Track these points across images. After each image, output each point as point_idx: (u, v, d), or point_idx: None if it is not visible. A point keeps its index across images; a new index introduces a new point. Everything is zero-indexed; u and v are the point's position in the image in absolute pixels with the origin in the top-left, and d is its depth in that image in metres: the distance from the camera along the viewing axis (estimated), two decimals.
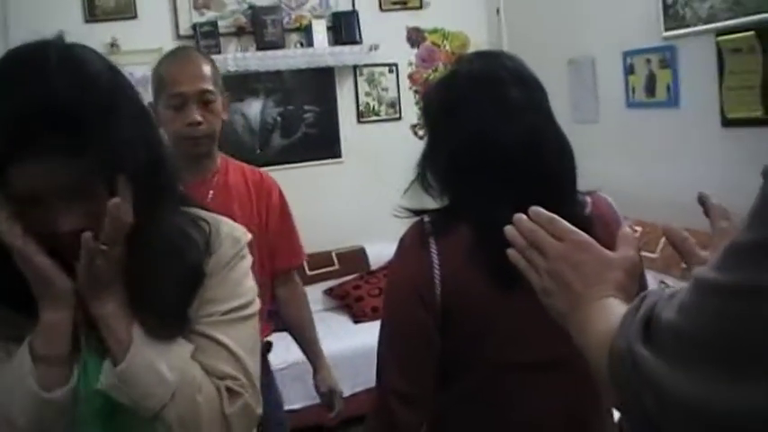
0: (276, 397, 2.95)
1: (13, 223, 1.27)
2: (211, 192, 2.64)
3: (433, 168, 1.75)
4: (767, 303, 0.74)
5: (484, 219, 1.63)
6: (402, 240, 1.74)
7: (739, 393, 0.76)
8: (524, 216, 1.18)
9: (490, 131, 1.65)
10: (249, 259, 1.54)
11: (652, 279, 4.18)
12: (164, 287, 1.35)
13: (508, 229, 1.19)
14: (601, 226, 1.71)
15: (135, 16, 5.53)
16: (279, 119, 5.97)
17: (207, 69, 2.63)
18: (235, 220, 2.58)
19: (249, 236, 1.56)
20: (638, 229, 4.58)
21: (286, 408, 4.78)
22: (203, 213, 1.52)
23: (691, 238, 1.25)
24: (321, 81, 6.03)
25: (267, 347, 2.84)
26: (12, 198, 1.27)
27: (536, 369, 1.69)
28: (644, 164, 4.73)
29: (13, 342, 1.34)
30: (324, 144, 6.06)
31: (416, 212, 1.77)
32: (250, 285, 1.51)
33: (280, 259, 2.85)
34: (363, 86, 6.10)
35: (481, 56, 1.79)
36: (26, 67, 1.24)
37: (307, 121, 6.03)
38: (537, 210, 1.18)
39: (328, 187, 5.88)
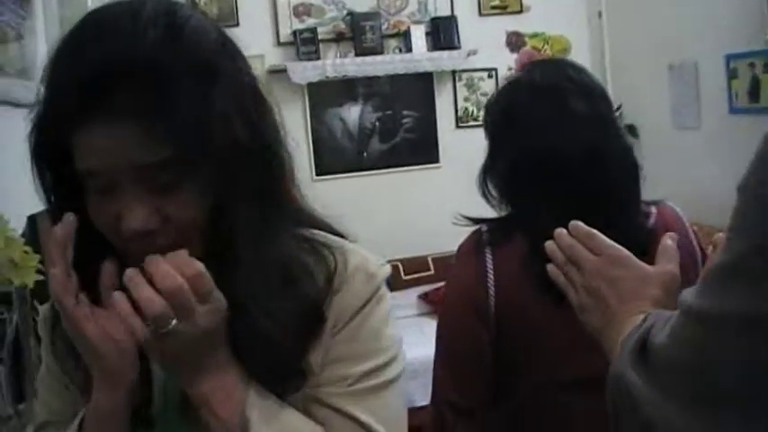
0: None
1: (68, 280, 1.00)
2: None
3: (493, 178, 1.74)
4: (729, 331, 0.71)
5: (539, 230, 1.61)
6: (459, 249, 1.75)
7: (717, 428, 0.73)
8: (565, 231, 1.17)
9: (551, 143, 1.63)
10: (388, 300, 1.19)
11: None
12: (272, 329, 1.02)
13: (548, 244, 1.18)
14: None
15: (237, 24, 5.66)
16: (377, 124, 6.02)
17: None
18: None
19: (388, 268, 1.23)
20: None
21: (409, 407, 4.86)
22: (326, 237, 1.21)
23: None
24: (419, 86, 6.05)
25: None
26: (77, 187, 1.02)
27: (589, 385, 1.67)
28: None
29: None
30: (422, 149, 6.08)
31: (475, 221, 1.76)
32: (391, 336, 1.16)
33: None
34: (462, 91, 6.09)
35: (544, 65, 1.77)
36: (112, 16, 0.99)
37: (405, 126, 6.06)
38: (577, 224, 1.17)
39: (425, 192, 5.89)
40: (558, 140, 1.63)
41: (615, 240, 1.56)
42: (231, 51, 1.09)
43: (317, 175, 5.89)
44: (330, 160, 5.93)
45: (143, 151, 0.95)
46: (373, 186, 5.98)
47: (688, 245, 1.75)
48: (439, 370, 1.75)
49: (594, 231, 1.15)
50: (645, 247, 1.56)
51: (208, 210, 1.01)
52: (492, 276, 1.65)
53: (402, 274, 5.71)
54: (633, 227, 1.66)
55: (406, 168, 6.04)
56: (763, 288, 0.68)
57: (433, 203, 5.84)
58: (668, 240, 1.17)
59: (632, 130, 5.75)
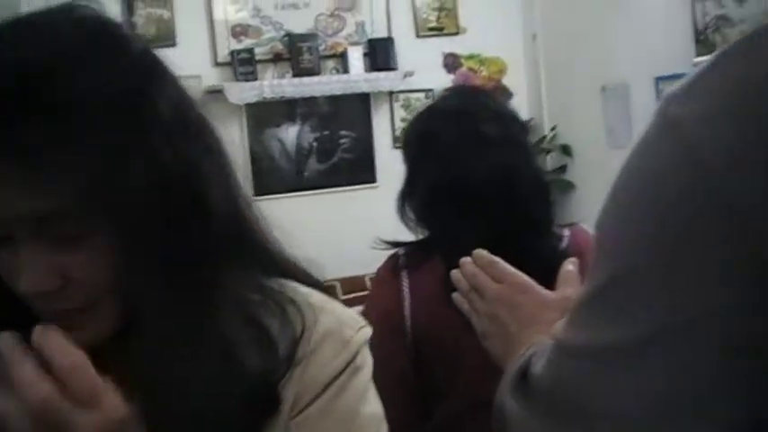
0: None
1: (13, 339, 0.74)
2: None
3: (411, 201, 1.77)
4: (591, 362, 0.72)
5: (454, 253, 1.65)
6: (377, 273, 1.77)
7: None
8: (468, 259, 1.19)
9: (464, 166, 1.66)
10: (369, 369, 1.01)
11: None
12: (196, 420, 0.79)
13: (454, 273, 1.20)
14: (577, 260, 1.73)
15: (174, 44, 5.64)
16: (315, 144, 6.03)
17: None
18: None
19: (367, 332, 1.03)
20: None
21: None
22: (295, 290, 1.00)
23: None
24: (357, 107, 6.08)
25: None
26: None
27: None
28: None
29: None
30: (359, 169, 6.10)
31: (393, 244, 1.78)
32: (371, 416, 0.98)
33: None
34: (399, 112, 6.13)
35: (458, 92, 1.81)
36: (24, 25, 0.82)
37: (343, 146, 6.09)
38: (479, 253, 1.18)
39: (363, 211, 5.90)
40: (470, 164, 1.66)
41: (528, 262, 1.58)
42: (158, 76, 0.90)
43: (256, 194, 5.84)
44: (268, 180, 5.92)
45: (32, 198, 0.76)
46: (311, 206, 5.98)
47: None
48: None
49: (496, 259, 1.16)
50: (556, 270, 1.62)
51: (120, 270, 0.81)
52: (408, 299, 1.68)
53: (340, 293, 5.70)
54: (546, 249, 1.69)
55: (343, 188, 6.06)
56: (619, 318, 0.70)
57: (371, 223, 5.84)
58: (569, 266, 1.20)
59: (566, 149, 5.86)
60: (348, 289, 5.65)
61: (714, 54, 0.70)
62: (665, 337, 0.66)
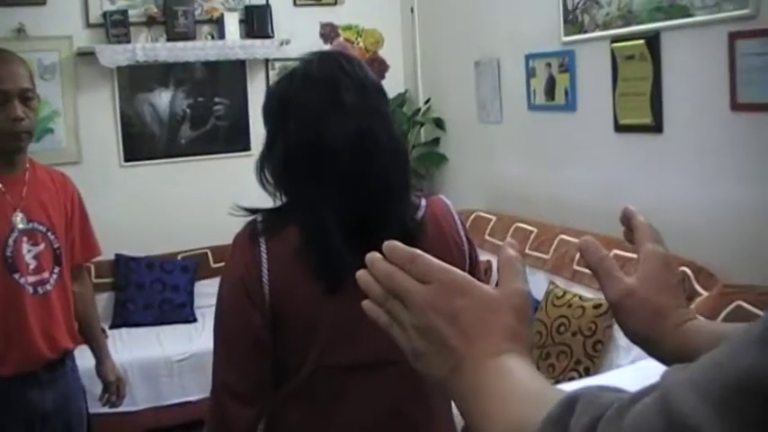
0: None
1: None
2: (25, 187, 2.79)
3: (269, 166, 1.77)
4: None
5: (310, 221, 1.67)
6: (235, 239, 1.76)
7: None
8: (378, 255, 0.88)
9: (320, 133, 1.68)
10: None
11: (543, 279, 4.32)
12: None
13: (361, 274, 0.89)
14: (434, 229, 1.78)
15: (44, 2, 5.46)
16: (188, 110, 5.97)
17: (25, 70, 2.77)
18: (48, 213, 2.73)
19: None
20: (514, 242, 4.71)
21: (184, 399, 4.86)
22: None
23: (610, 258, 1.02)
24: (232, 74, 6.04)
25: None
26: None
27: (361, 370, 1.73)
28: (542, 165, 4.87)
29: None
30: (233, 136, 6.07)
31: (251, 211, 1.78)
32: None
33: (77, 255, 3.01)
34: (275, 80, 6.09)
35: (322, 57, 1.81)
36: None
37: (217, 113, 6.04)
38: (393, 245, 0.88)
39: (236, 179, 5.86)
40: (327, 129, 1.68)
41: (385, 230, 1.57)
42: None
43: (126, 160, 5.78)
44: (140, 146, 5.83)
45: None
46: (184, 173, 5.92)
47: (457, 237, 1.84)
48: (218, 354, 1.77)
49: (417, 252, 0.86)
50: (414, 237, 1.67)
51: None
52: (266, 264, 1.68)
53: (212, 261, 5.69)
54: (402, 216, 1.73)
55: (216, 156, 6.02)
56: None
57: (244, 191, 5.83)
58: (510, 250, 0.89)
59: (440, 123, 5.97)
60: (219, 257, 5.63)
61: None
62: None
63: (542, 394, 0.75)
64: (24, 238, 2.74)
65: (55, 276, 2.82)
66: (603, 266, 1.01)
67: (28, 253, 2.75)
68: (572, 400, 0.69)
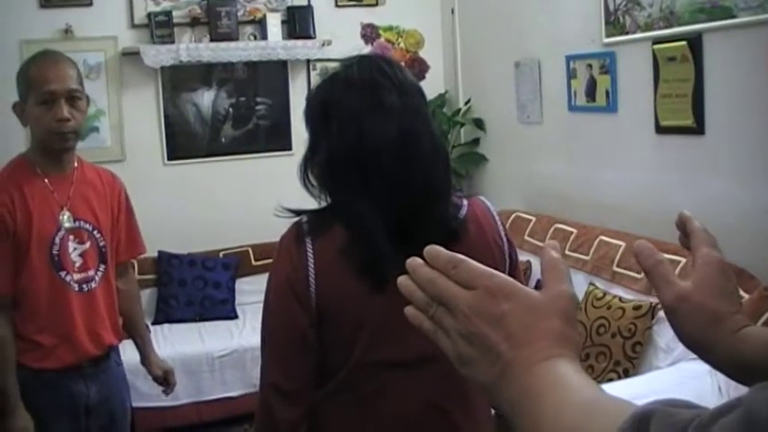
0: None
1: None
2: (72, 186, 2.84)
3: (313, 168, 1.81)
4: None
5: (354, 220, 1.72)
6: (281, 240, 1.80)
7: None
8: (419, 260, 0.87)
9: (363, 135, 1.72)
10: None
11: (583, 280, 4.31)
12: None
13: (401, 280, 0.88)
14: (475, 229, 1.81)
15: (90, 3, 5.55)
16: (231, 110, 6.03)
17: (73, 71, 2.80)
18: (94, 211, 2.77)
19: None
20: (558, 240, 4.69)
21: (225, 395, 4.92)
22: None
23: (665, 262, 1.01)
24: (274, 74, 6.09)
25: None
26: None
27: (403, 366, 1.77)
28: (582, 166, 4.86)
29: None
30: (275, 136, 6.13)
31: (296, 212, 1.82)
32: None
33: (122, 252, 3.04)
34: (316, 81, 6.11)
35: (361, 61, 1.84)
36: None
37: (259, 112, 6.10)
38: (435, 250, 0.86)
39: (277, 179, 5.91)
40: (370, 131, 1.72)
41: (428, 229, 1.66)
42: None
43: (170, 159, 5.86)
44: (183, 145, 5.91)
45: None
46: (225, 172, 5.98)
47: (497, 237, 1.87)
48: (265, 354, 1.82)
49: (459, 257, 0.84)
50: (457, 236, 1.73)
51: None
52: (312, 264, 1.72)
53: (252, 259, 5.75)
54: (444, 215, 1.77)
55: (258, 155, 6.08)
56: None
57: (285, 190, 5.87)
58: (552, 252, 0.88)
59: (480, 123, 5.97)
60: (260, 255, 5.70)
61: None
62: None
63: (597, 402, 0.73)
64: (71, 237, 2.79)
65: (100, 274, 2.87)
66: (659, 270, 1.01)
67: (74, 251, 2.80)
68: (644, 418, 0.66)
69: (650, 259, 1.01)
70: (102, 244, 2.88)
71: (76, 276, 2.80)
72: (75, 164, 2.89)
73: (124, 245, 3.05)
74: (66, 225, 2.78)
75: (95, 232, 2.87)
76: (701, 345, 1.00)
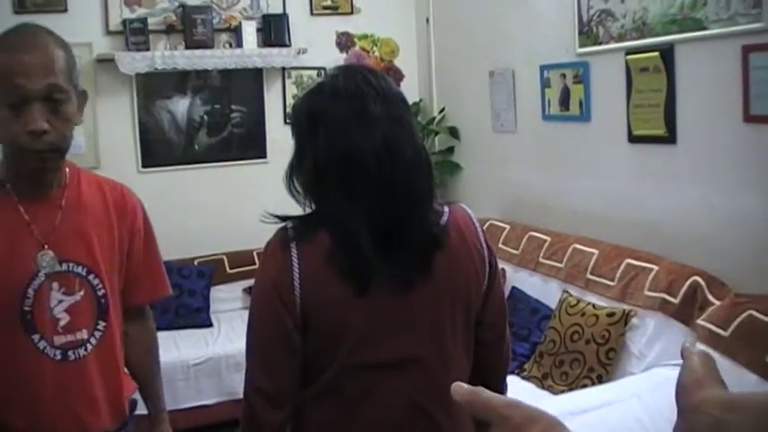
0: None
1: None
2: (60, 213, 2.07)
3: (298, 176, 1.84)
4: None
5: (339, 225, 1.75)
6: (267, 245, 1.83)
7: None
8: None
9: (347, 143, 1.75)
10: None
11: (557, 288, 4.35)
12: None
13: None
14: (456, 235, 1.85)
15: (65, 10, 5.55)
16: (205, 117, 6.03)
17: (58, 57, 1.95)
18: (90, 247, 2.07)
19: None
20: (548, 239, 4.73)
21: (200, 403, 4.91)
22: None
23: (712, 359, 0.84)
24: (249, 82, 6.11)
25: (133, 406, 2.40)
26: None
27: (387, 368, 1.80)
28: (556, 174, 4.90)
29: None
30: (250, 144, 6.14)
31: (282, 218, 1.84)
32: None
33: (140, 292, 2.32)
34: (291, 89, 6.17)
35: (346, 70, 1.88)
36: None
37: (234, 120, 6.11)
38: (458, 386, 0.81)
39: (252, 186, 5.93)
40: (355, 139, 1.75)
41: (412, 234, 1.74)
42: None
43: (144, 166, 5.85)
44: (157, 152, 5.90)
45: None
46: (200, 179, 5.98)
47: (478, 244, 1.90)
48: (250, 357, 1.84)
49: (478, 389, 0.80)
50: (439, 242, 1.78)
51: None
52: (297, 269, 1.75)
53: (227, 267, 5.75)
54: (426, 221, 1.81)
55: (233, 163, 6.09)
56: None
57: (260, 198, 5.88)
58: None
59: (454, 132, 6.00)
60: (235, 263, 5.71)
61: None
62: None
63: None
64: (54, 285, 2.04)
65: (98, 335, 2.12)
66: (708, 366, 0.84)
67: (57, 305, 2.05)
68: None
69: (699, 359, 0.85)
70: (101, 293, 2.12)
71: (58, 340, 2.04)
72: (67, 179, 2.12)
73: (144, 283, 2.31)
74: (46, 270, 2.02)
75: (92, 277, 2.10)
76: None
